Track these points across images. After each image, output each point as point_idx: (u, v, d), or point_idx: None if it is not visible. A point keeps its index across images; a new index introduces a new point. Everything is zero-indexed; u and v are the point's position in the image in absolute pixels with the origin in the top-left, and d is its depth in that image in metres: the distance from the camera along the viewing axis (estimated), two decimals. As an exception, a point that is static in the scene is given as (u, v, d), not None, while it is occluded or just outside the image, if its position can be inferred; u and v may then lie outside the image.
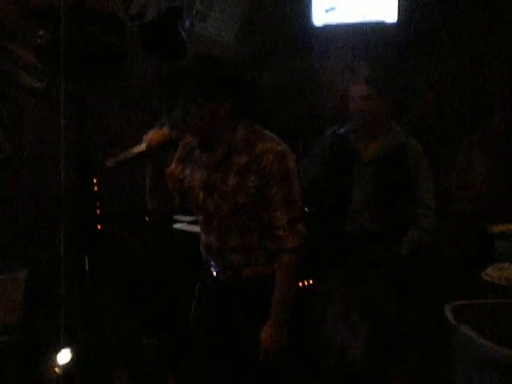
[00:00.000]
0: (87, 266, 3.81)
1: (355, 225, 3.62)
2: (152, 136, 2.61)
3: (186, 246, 4.18)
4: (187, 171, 2.77)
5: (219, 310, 2.75)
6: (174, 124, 2.63)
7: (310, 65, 4.82)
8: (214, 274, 2.76)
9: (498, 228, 4.30)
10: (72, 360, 3.83)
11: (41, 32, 4.16)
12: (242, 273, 2.67)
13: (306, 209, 4.02)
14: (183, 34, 4.34)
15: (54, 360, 3.81)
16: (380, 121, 3.65)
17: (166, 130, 2.62)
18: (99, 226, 4.04)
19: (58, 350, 3.83)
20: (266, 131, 2.68)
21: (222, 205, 2.63)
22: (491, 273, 3.59)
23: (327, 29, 4.67)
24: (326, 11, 4.58)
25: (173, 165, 2.82)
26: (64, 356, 3.84)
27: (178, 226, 4.21)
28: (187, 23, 4.43)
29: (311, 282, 3.99)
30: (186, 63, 2.70)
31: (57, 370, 3.84)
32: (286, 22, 4.78)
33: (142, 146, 2.61)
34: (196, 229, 4.18)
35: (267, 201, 2.59)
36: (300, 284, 3.93)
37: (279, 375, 2.70)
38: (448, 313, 2.99)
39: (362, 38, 4.63)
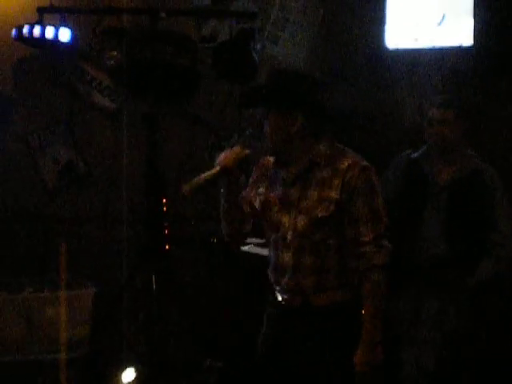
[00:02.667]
0: (154, 285, 3.81)
1: (428, 250, 3.53)
2: (225, 157, 2.61)
3: (252, 268, 4.15)
4: (261, 189, 2.73)
5: (287, 338, 2.67)
6: (246, 142, 2.63)
7: (382, 88, 4.75)
8: (281, 300, 2.69)
9: None
10: (136, 379, 3.83)
11: (114, 53, 4.23)
12: (310, 300, 2.60)
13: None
14: (255, 55, 4.34)
15: (119, 378, 3.82)
16: (456, 145, 3.57)
17: (237, 148, 2.62)
18: (167, 246, 4.04)
19: (122, 369, 3.84)
20: (346, 148, 2.65)
21: (301, 220, 2.57)
22: None
23: (401, 52, 4.60)
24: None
25: (248, 188, 2.77)
26: (128, 375, 3.85)
27: (244, 248, 4.18)
28: (259, 45, 4.43)
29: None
30: (263, 79, 2.74)
31: (121, 388, 3.85)
32: (359, 45, 4.73)
33: (217, 168, 2.60)
34: (263, 251, 4.16)
35: (352, 216, 2.54)
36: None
37: None
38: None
39: (437, 61, 4.54)
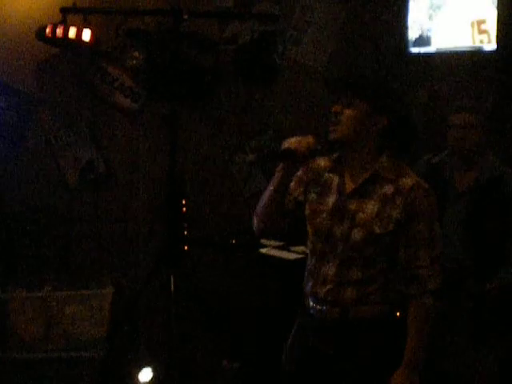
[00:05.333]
0: (173, 286, 3.82)
1: (447, 257, 3.50)
2: (298, 141, 2.48)
3: (270, 270, 4.15)
4: (312, 195, 2.60)
5: (321, 351, 2.56)
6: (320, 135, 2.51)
7: (404, 92, 4.73)
8: (317, 311, 2.57)
9: None
10: (153, 379, 3.85)
11: (135, 53, 4.25)
12: (349, 312, 2.51)
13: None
14: (276, 58, 4.35)
15: (136, 378, 3.84)
16: (477, 150, 3.55)
17: (311, 138, 2.47)
18: (186, 247, 4.05)
19: (139, 369, 3.86)
20: (405, 165, 2.57)
21: (354, 233, 2.48)
22: None
23: (422, 56, 4.58)
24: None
25: (292, 183, 2.63)
26: (145, 375, 3.86)
27: (263, 250, 4.19)
28: (280, 47, 4.44)
29: (398, 314, 3.88)
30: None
31: (138, 388, 3.86)
32: (380, 49, 4.72)
33: (286, 148, 2.46)
34: (281, 254, 4.16)
35: (409, 238, 2.48)
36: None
37: None
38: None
39: (460, 65, 4.52)
